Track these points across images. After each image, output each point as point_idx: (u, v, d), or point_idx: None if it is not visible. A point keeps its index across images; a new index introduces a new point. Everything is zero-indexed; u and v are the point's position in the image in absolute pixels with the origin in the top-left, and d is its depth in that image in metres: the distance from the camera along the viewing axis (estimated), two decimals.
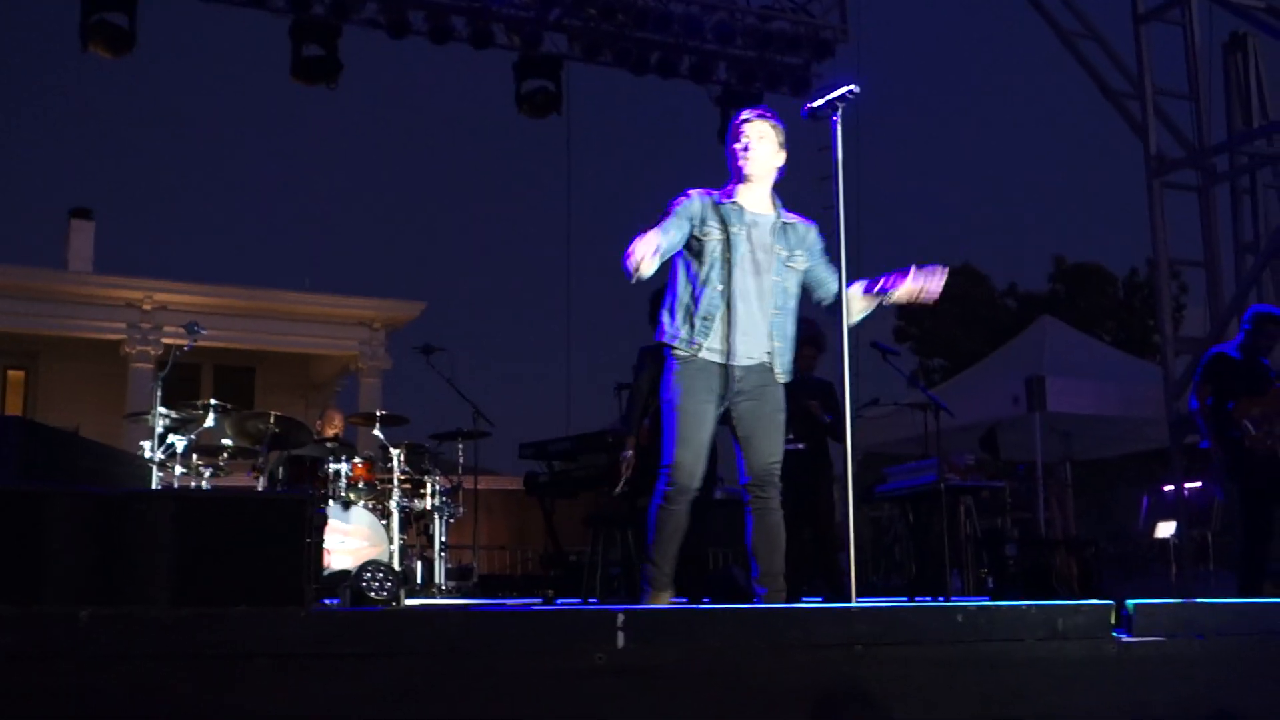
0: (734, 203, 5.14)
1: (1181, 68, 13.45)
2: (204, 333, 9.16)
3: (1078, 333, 17.34)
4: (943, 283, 5.15)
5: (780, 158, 5.26)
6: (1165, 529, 14.01)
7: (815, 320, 8.34)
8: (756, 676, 3.36)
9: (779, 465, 5.15)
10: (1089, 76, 13.35)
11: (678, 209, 5.08)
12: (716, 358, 5.05)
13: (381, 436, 9.70)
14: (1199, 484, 13.90)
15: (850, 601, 4.37)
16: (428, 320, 24.98)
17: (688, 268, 5.12)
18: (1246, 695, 3.99)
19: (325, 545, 8.47)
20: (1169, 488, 13.43)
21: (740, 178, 5.19)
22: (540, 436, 9.21)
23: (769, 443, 5.12)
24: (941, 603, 8.77)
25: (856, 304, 5.27)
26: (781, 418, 5.18)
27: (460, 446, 10.65)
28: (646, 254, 4.70)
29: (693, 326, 5.06)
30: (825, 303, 5.34)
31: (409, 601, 8.10)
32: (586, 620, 3.25)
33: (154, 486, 8.30)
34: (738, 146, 5.18)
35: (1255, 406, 7.81)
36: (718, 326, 5.03)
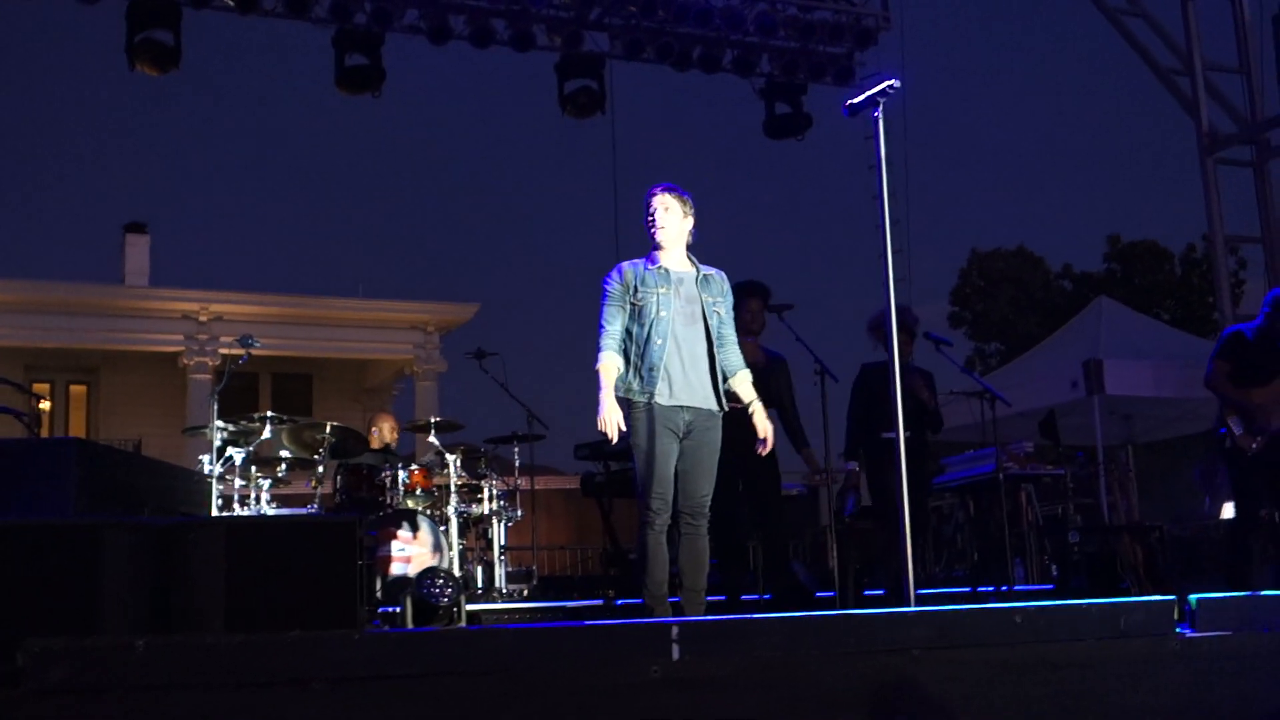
0: (659, 267, 5.89)
1: (1231, 42, 13.25)
2: (258, 345, 9.19)
3: (1135, 313, 17.10)
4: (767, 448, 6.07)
5: (688, 223, 5.98)
6: (1230, 510, 13.79)
7: (908, 307, 8.31)
8: (813, 684, 3.33)
9: (709, 499, 5.84)
10: (1137, 54, 13.18)
11: (611, 290, 5.87)
12: (667, 400, 5.74)
13: (437, 442, 9.71)
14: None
15: (908, 603, 4.33)
16: (481, 322, 25.09)
17: (629, 330, 5.88)
18: None
19: (385, 553, 8.51)
20: None
21: (656, 245, 5.93)
22: (597, 436, 9.20)
23: (703, 481, 5.82)
24: (1004, 590, 8.72)
25: (735, 386, 6.05)
26: (716, 459, 5.87)
27: (516, 449, 10.64)
28: (611, 428, 5.59)
29: (642, 378, 5.77)
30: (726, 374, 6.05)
31: (470, 607, 8.11)
32: (641, 634, 3.24)
33: (214, 501, 8.35)
34: (649, 219, 5.92)
35: (1256, 397, 7.73)
36: (663, 374, 5.75)
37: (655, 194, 5.93)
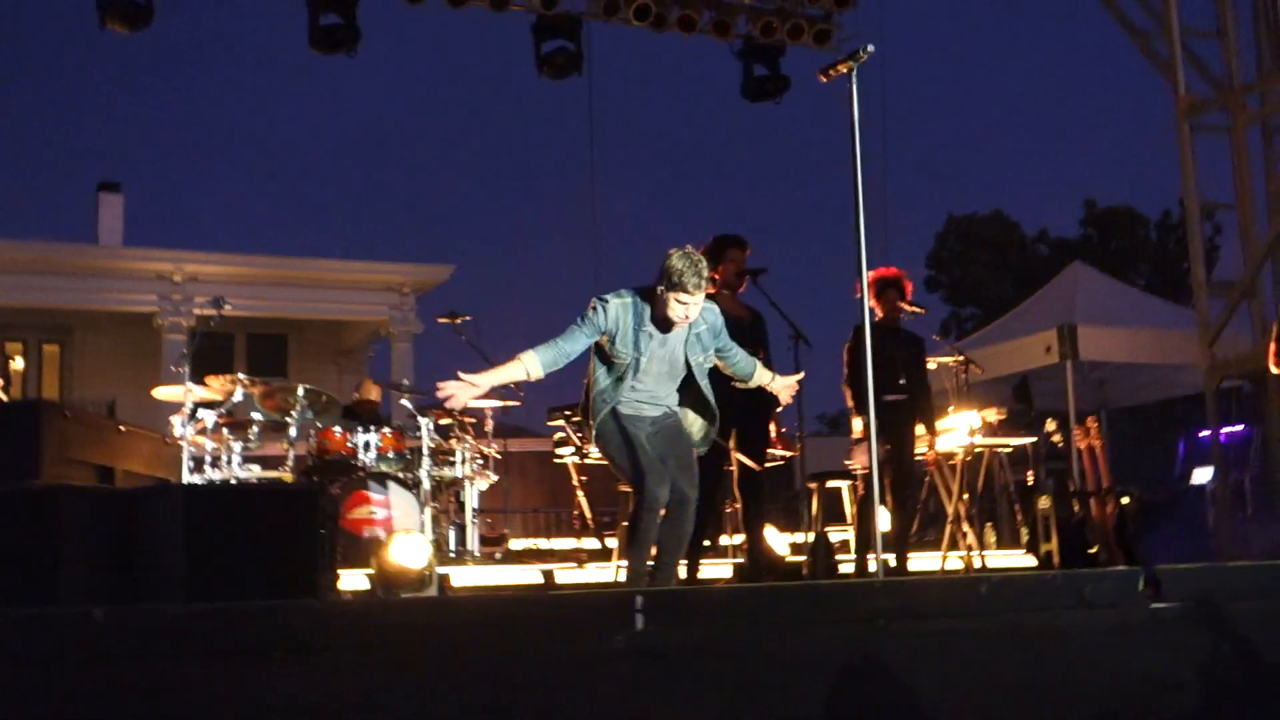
0: (647, 330, 5.65)
1: (1209, 5, 13.22)
2: (229, 306, 9.19)
3: (1109, 279, 17.13)
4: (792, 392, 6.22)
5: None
6: (1202, 475, 13.88)
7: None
8: (777, 654, 3.33)
9: (692, 490, 5.78)
10: (1114, 17, 13.14)
11: (590, 319, 5.63)
12: (631, 411, 5.76)
13: (410, 405, 9.69)
14: (1236, 428, 13.76)
15: (878, 573, 4.35)
16: (457, 283, 24.99)
17: (602, 368, 5.74)
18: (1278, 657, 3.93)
19: (356, 517, 8.50)
20: (1205, 433, 13.27)
21: (663, 320, 5.65)
22: (572, 399, 9.17)
23: (682, 475, 5.74)
24: (974, 556, 8.77)
25: (759, 378, 6.12)
26: (691, 450, 5.90)
27: (490, 412, 10.60)
28: (454, 396, 5.45)
29: (606, 401, 5.70)
30: (739, 381, 6.15)
31: (441, 571, 8.10)
32: (605, 603, 3.23)
33: (185, 464, 8.32)
34: (673, 303, 5.53)
35: None
36: (626, 403, 5.73)
37: (693, 293, 5.51)
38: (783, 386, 6.15)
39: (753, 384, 6.11)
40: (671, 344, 5.71)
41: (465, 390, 5.46)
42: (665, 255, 5.53)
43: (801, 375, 6.29)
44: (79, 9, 11.63)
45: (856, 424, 8.33)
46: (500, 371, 5.58)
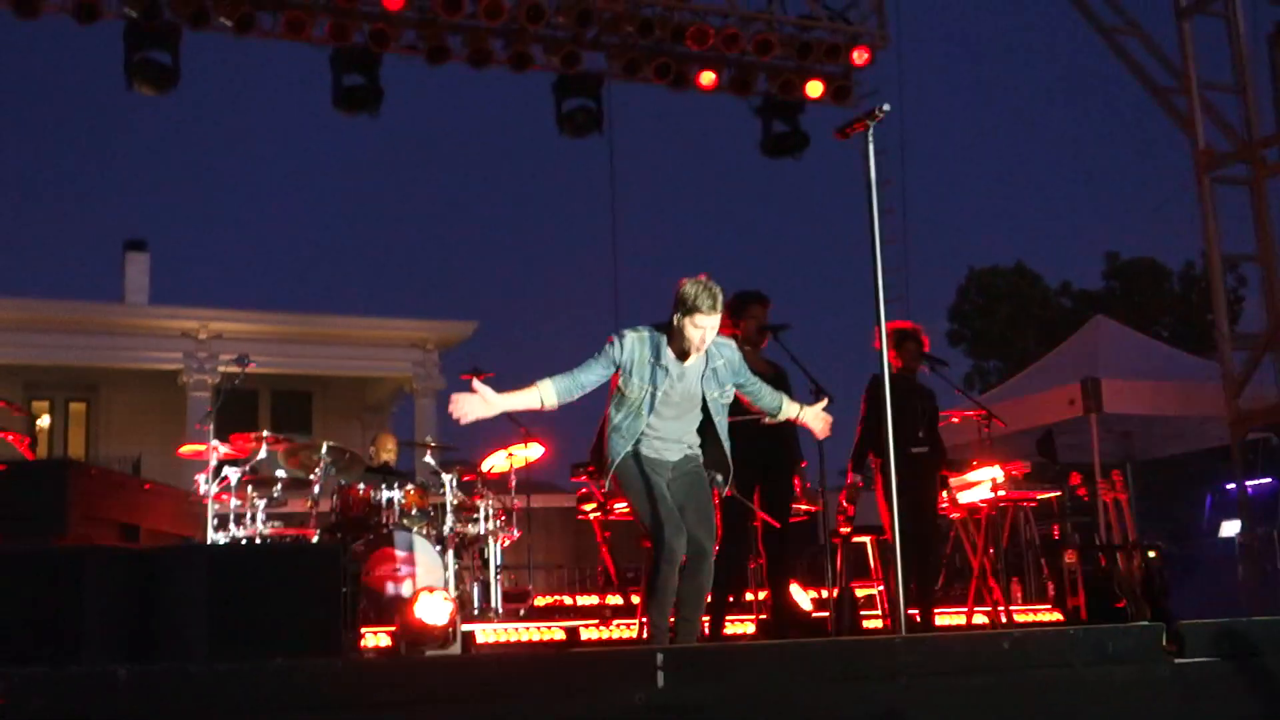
0: (663, 365, 5.65)
1: (1226, 60, 13.27)
2: (253, 364, 9.25)
3: (1132, 331, 17.09)
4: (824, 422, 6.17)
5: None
6: (1230, 528, 13.80)
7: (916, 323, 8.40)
8: (799, 711, 3.32)
9: (709, 543, 5.70)
10: (1134, 73, 13.20)
11: (605, 352, 5.67)
12: (649, 453, 5.72)
13: (433, 462, 9.70)
14: (1263, 480, 13.69)
15: (900, 629, 4.33)
16: (480, 340, 25.07)
17: (618, 405, 5.74)
18: None
19: (380, 573, 8.50)
20: (1232, 486, 13.20)
21: (680, 351, 5.66)
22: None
23: (699, 527, 5.64)
24: (1000, 610, 8.72)
25: (786, 412, 6.08)
26: (710, 499, 5.81)
27: (512, 468, 10.59)
28: (462, 411, 5.46)
29: (624, 439, 5.67)
30: (769, 417, 6.14)
31: (465, 627, 8.09)
32: (626, 660, 3.22)
33: (210, 521, 8.35)
34: (689, 328, 5.55)
35: None
36: (645, 441, 5.70)
37: (705, 314, 5.53)
38: (812, 416, 6.13)
39: (781, 417, 6.10)
40: (688, 379, 5.71)
41: (479, 405, 5.51)
42: (678, 284, 5.62)
43: (826, 402, 6.21)
44: (108, 66, 11.79)
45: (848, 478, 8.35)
46: (516, 395, 5.63)
